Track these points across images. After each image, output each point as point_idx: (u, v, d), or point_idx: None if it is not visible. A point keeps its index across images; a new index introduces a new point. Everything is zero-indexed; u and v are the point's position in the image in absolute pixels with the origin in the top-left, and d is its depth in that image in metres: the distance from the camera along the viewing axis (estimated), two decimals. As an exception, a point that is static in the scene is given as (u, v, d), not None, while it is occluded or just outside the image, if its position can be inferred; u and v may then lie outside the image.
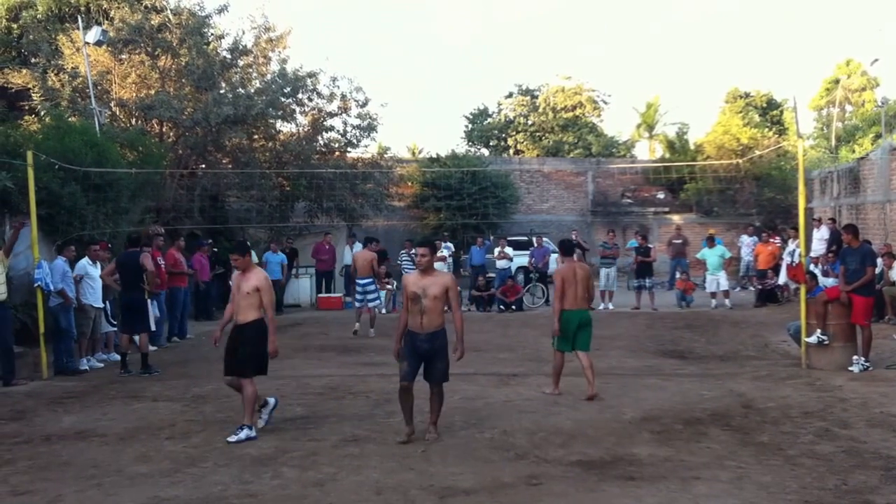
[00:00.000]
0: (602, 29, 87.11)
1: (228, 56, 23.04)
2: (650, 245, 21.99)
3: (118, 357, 13.74)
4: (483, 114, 46.81)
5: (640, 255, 20.73)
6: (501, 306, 20.73)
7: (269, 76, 23.73)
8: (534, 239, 23.60)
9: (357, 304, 16.87)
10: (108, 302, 13.66)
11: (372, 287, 16.81)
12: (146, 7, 22.22)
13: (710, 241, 21.18)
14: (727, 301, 20.20)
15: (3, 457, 7.75)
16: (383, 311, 19.05)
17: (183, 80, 21.72)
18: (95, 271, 13.17)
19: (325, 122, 25.22)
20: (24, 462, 7.56)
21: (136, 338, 12.99)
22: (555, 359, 10.38)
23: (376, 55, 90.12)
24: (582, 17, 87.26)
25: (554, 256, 23.14)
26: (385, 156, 28.48)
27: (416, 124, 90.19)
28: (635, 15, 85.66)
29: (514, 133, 44.24)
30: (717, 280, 20.39)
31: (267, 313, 8.52)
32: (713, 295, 20.39)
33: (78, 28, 20.29)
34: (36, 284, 12.02)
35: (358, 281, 16.82)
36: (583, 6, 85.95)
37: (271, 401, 8.93)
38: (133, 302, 12.88)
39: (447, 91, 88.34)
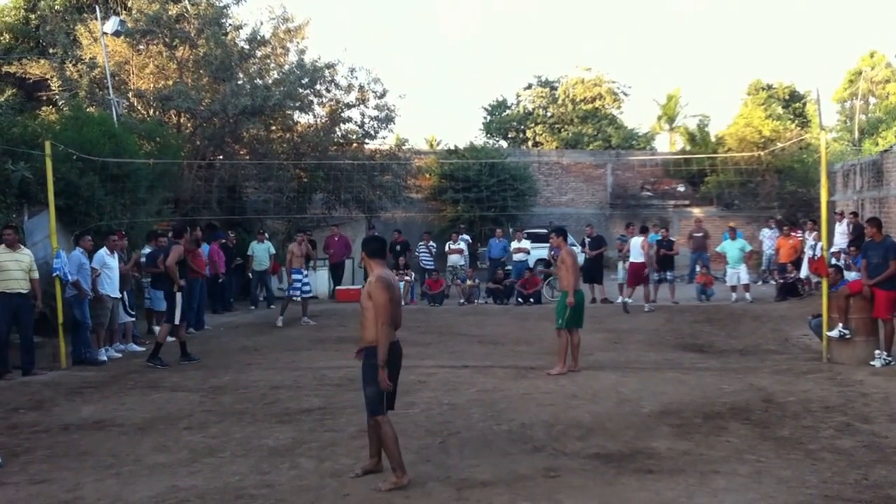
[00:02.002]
0: (623, 19, 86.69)
1: (246, 47, 23.04)
2: (672, 238, 21.85)
3: (136, 348, 13.84)
4: (502, 105, 46.67)
5: (663, 248, 20.51)
6: (520, 299, 20.67)
7: (286, 67, 23.73)
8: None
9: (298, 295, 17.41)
10: (126, 292, 13.69)
11: (302, 277, 17.46)
12: (164, -3, 22.27)
13: (732, 232, 21.00)
14: (748, 295, 20.00)
15: (22, 446, 7.79)
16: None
17: (201, 71, 21.75)
18: (113, 262, 13.20)
19: (342, 114, 25.17)
20: (43, 451, 7.60)
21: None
22: (563, 338, 11.17)
23: (394, 46, 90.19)
24: (603, 7, 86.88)
25: (573, 249, 23.04)
26: (403, 147, 28.41)
27: (434, 116, 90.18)
28: (657, 5, 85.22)
29: (532, 125, 44.09)
30: (738, 274, 20.20)
31: None
32: (733, 289, 20.19)
33: (96, 18, 20.36)
34: (54, 274, 12.06)
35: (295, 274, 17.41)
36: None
37: None
38: (163, 293, 13.09)
39: (466, 82, 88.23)
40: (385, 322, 6.39)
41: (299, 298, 17.46)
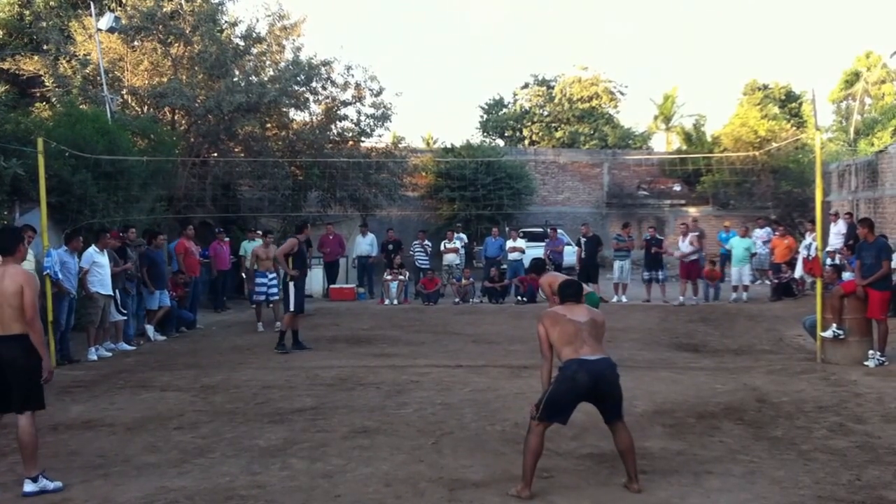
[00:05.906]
0: (620, 19, 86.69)
1: (242, 43, 22.94)
2: (661, 237, 21.92)
3: (127, 347, 13.75)
4: (498, 104, 46.67)
5: (654, 246, 20.53)
6: (518, 296, 20.64)
7: (282, 64, 23.62)
8: (549, 231, 23.49)
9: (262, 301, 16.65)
10: (118, 291, 13.57)
11: (267, 280, 16.53)
12: (159, -7, 22.17)
13: (744, 230, 21.03)
14: (744, 295, 19.99)
15: (10, 445, 7.67)
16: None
17: (195, 68, 21.65)
18: (104, 259, 13.06)
19: (338, 111, 25.11)
20: (32, 451, 7.52)
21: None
22: None
23: (391, 44, 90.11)
24: (600, 7, 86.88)
25: (568, 248, 23.08)
26: (399, 145, 28.36)
27: (430, 114, 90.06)
28: (654, 5, 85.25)
29: (529, 124, 44.10)
30: (741, 273, 20.16)
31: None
32: (735, 289, 20.14)
33: (90, 14, 20.26)
34: (45, 272, 11.95)
35: (260, 277, 16.59)
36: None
37: (51, 485, 6.43)
38: (284, 284, 13.66)
39: (463, 81, 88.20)
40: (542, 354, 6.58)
41: (265, 303, 16.64)
